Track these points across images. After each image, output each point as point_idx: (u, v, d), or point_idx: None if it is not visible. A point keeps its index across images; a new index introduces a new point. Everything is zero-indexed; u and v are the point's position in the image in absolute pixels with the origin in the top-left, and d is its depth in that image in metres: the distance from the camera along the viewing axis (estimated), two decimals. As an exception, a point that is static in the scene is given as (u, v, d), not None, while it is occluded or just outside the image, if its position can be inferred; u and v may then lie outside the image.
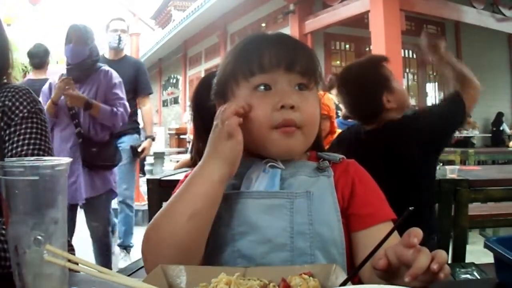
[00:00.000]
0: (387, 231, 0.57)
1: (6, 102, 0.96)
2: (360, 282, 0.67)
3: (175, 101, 14.46)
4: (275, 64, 0.74)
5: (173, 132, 11.56)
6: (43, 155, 0.94)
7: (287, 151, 0.76)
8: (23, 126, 0.95)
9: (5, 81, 1.04)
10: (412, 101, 8.12)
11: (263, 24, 8.53)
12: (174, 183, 0.85)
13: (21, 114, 0.96)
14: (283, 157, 0.77)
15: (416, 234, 0.54)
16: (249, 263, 0.70)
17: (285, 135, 0.73)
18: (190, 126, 8.99)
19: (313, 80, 0.77)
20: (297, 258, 0.70)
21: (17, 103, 0.97)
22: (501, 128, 9.49)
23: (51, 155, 0.99)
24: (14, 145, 0.93)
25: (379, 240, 0.56)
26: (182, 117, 12.83)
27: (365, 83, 1.66)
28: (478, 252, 2.44)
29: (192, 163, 0.91)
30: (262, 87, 0.74)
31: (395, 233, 0.59)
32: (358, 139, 1.72)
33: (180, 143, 10.77)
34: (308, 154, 0.84)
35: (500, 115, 9.56)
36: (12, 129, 0.95)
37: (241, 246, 0.71)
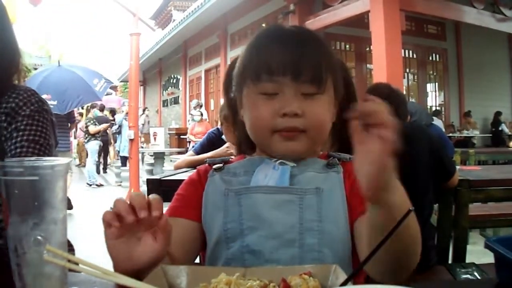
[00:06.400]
0: None
1: (10, 104, 0.97)
2: (366, 278, 0.67)
3: (175, 101, 14.46)
4: (282, 72, 0.73)
5: (173, 132, 11.58)
6: (42, 151, 0.95)
7: (287, 153, 0.76)
8: (24, 123, 0.96)
9: (16, 82, 1.04)
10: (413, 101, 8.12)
11: (263, 24, 8.53)
12: (174, 183, 0.85)
13: (23, 113, 0.96)
14: (286, 158, 0.77)
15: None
16: (257, 259, 0.70)
17: (285, 138, 0.74)
18: (190, 126, 9.01)
19: (323, 86, 0.75)
20: (306, 254, 0.70)
21: (21, 103, 0.97)
22: (500, 129, 9.48)
23: (50, 152, 0.99)
24: (13, 141, 0.93)
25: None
26: (182, 117, 12.85)
27: (398, 92, 2.11)
28: (478, 252, 2.44)
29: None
30: (267, 95, 0.74)
31: None
32: None
33: (180, 143, 10.78)
34: (319, 153, 0.83)
35: (498, 114, 9.54)
36: (13, 126, 0.95)
37: (250, 241, 0.71)
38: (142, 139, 9.94)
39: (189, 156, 2.75)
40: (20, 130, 0.95)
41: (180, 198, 0.81)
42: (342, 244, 0.72)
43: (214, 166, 0.82)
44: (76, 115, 11.24)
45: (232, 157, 0.87)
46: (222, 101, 2.79)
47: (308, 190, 0.73)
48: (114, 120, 10.52)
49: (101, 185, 8.57)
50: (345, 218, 0.73)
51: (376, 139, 0.52)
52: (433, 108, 9.25)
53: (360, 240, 0.70)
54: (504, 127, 9.55)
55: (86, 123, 9.22)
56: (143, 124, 11.89)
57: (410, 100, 6.51)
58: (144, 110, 12.89)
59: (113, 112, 11.11)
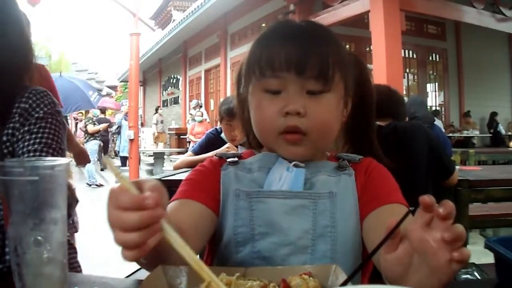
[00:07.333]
0: (393, 212, 0.55)
1: (23, 105, 0.95)
2: (373, 273, 0.66)
3: (175, 101, 14.47)
4: (286, 68, 0.70)
5: (173, 132, 11.59)
6: (54, 155, 0.94)
7: (292, 157, 0.74)
8: (37, 125, 0.94)
9: (28, 83, 1.03)
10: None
11: (263, 24, 8.54)
12: (174, 183, 0.85)
13: (36, 115, 0.95)
14: (292, 160, 0.75)
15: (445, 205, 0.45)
16: (267, 265, 0.68)
17: (288, 143, 0.72)
18: (190, 127, 9.01)
19: (330, 83, 0.71)
20: (318, 261, 0.68)
21: (34, 105, 0.96)
22: (497, 130, 9.48)
23: (63, 156, 0.97)
24: (26, 143, 0.92)
25: (383, 218, 0.53)
26: (182, 117, 12.85)
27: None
28: (478, 252, 2.42)
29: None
30: (270, 93, 0.72)
31: None
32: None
33: (180, 143, 10.79)
34: (327, 155, 0.82)
35: (493, 115, 9.54)
36: (26, 128, 0.94)
37: (261, 247, 0.70)
38: (141, 136, 9.95)
39: (188, 156, 2.74)
40: (33, 132, 0.93)
41: (191, 183, 0.76)
42: (354, 249, 0.71)
43: (229, 160, 0.79)
44: (77, 114, 11.24)
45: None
46: (222, 100, 2.78)
47: (321, 195, 0.71)
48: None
49: (101, 185, 8.57)
50: (357, 223, 0.72)
51: (452, 257, 0.44)
52: (433, 108, 9.26)
53: (368, 237, 0.70)
54: (501, 128, 9.53)
55: (85, 123, 9.23)
56: (156, 124, 11.97)
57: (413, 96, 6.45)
58: (156, 109, 12.92)
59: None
